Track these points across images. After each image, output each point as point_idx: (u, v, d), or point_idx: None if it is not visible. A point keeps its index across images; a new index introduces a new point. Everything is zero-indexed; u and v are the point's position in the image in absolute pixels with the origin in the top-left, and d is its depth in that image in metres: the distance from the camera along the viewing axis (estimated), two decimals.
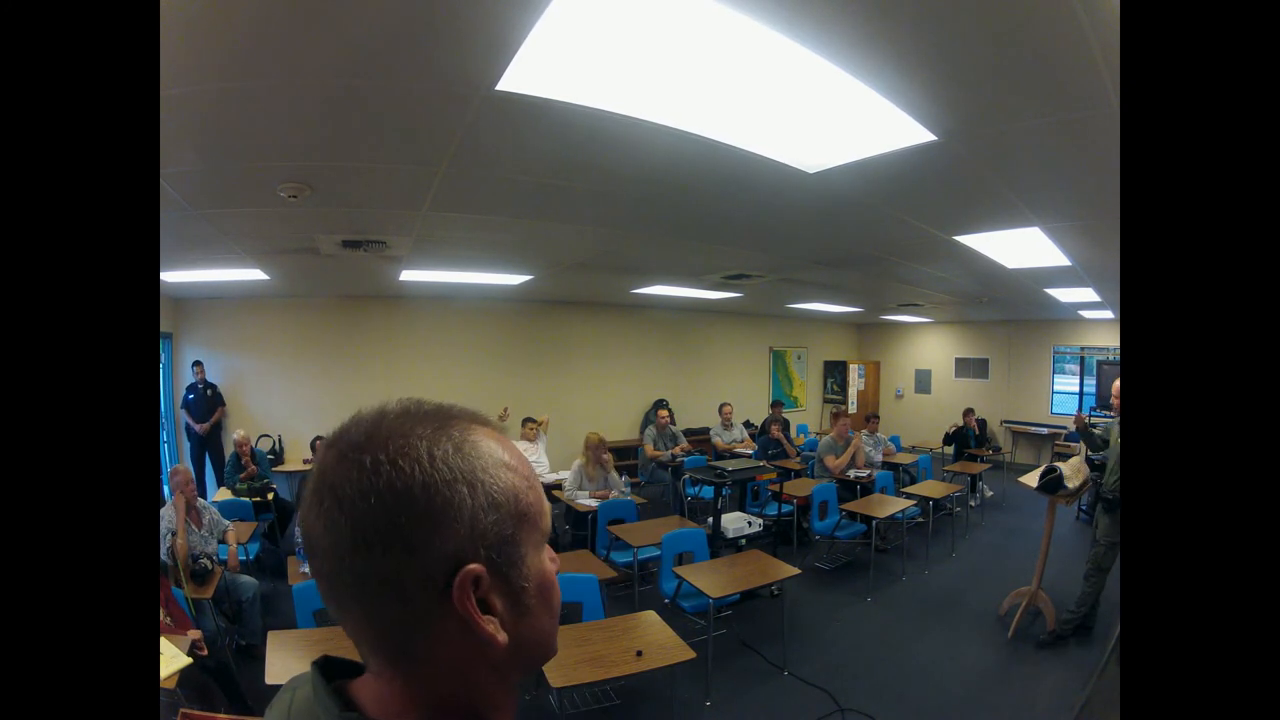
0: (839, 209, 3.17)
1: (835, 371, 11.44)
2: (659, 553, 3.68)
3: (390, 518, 0.40)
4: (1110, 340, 8.95)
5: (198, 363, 6.08)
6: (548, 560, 0.48)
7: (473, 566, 0.42)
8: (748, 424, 8.53)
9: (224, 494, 5.00)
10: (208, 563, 3.21)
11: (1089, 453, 3.97)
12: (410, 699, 0.43)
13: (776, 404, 7.71)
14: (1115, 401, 3.74)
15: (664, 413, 6.84)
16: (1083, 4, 1.31)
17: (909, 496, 5.44)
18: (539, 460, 5.72)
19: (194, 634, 2.53)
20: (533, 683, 2.70)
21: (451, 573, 0.41)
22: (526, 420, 5.88)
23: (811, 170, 2.50)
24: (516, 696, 0.48)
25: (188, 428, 6.07)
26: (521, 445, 4.82)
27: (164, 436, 6.16)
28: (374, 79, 1.71)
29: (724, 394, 8.37)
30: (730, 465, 4.61)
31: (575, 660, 2.35)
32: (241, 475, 5.11)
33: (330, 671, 0.48)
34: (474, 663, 0.43)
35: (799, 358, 11.06)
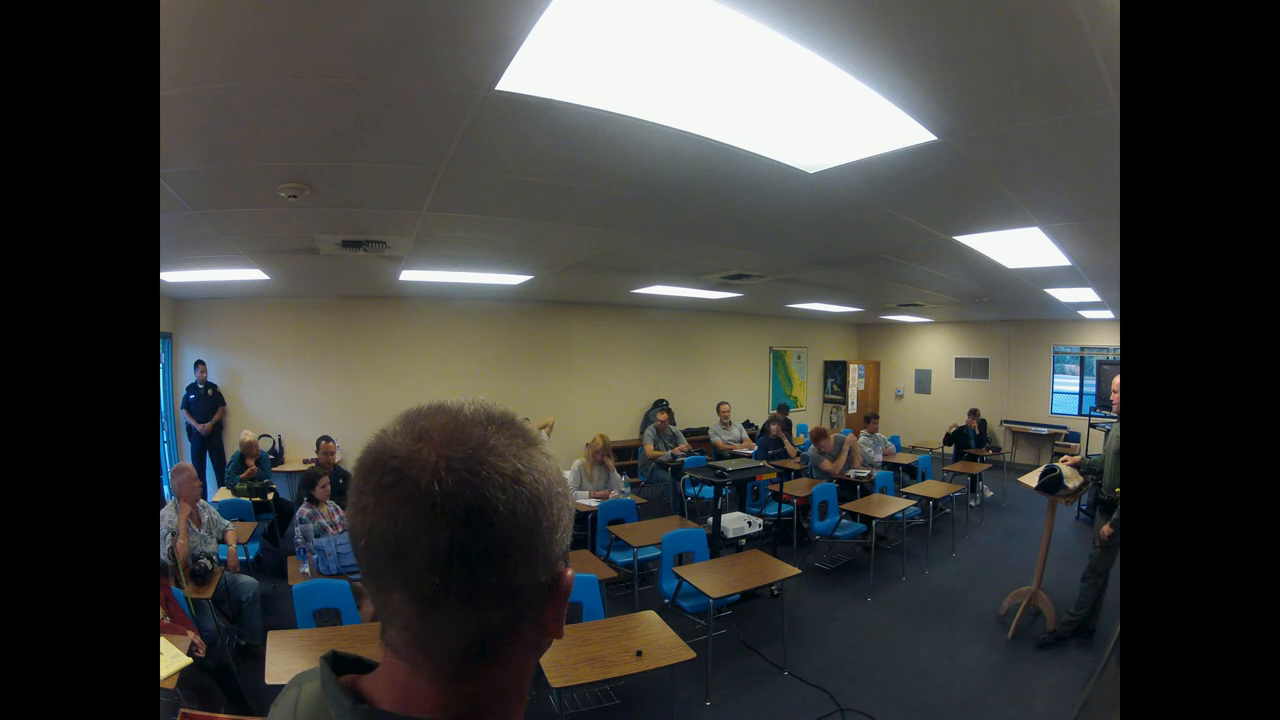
0: (839, 209, 3.17)
1: (835, 371, 11.44)
2: (659, 553, 3.68)
3: (516, 534, 0.42)
4: (1110, 340, 8.95)
5: (200, 362, 6.08)
6: None
7: (571, 572, 0.47)
8: (747, 424, 8.53)
9: (224, 494, 5.00)
10: (208, 563, 3.21)
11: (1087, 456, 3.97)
12: (462, 696, 0.43)
13: (781, 408, 7.71)
14: (1115, 398, 3.74)
15: (663, 415, 6.84)
16: (1083, 4, 1.31)
17: (909, 496, 5.43)
18: None
19: (192, 634, 2.53)
20: (532, 683, 2.70)
21: (556, 579, 0.46)
22: (524, 420, 5.87)
23: (811, 170, 2.50)
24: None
25: (189, 428, 6.07)
26: None
27: (164, 436, 6.16)
28: (374, 79, 1.71)
29: (724, 394, 8.37)
30: (730, 465, 4.61)
31: (575, 660, 2.35)
32: (241, 475, 5.11)
33: (340, 666, 0.48)
34: (529, 660, 0.47)
35: (799, 358, 11.06)
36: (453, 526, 0.40)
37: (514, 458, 0.43)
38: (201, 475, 5.85)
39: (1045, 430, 9.42)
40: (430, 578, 0.41)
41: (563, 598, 0.46)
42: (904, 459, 6.85)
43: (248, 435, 5.35)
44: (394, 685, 0.44)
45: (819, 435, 6.07)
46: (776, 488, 5.27)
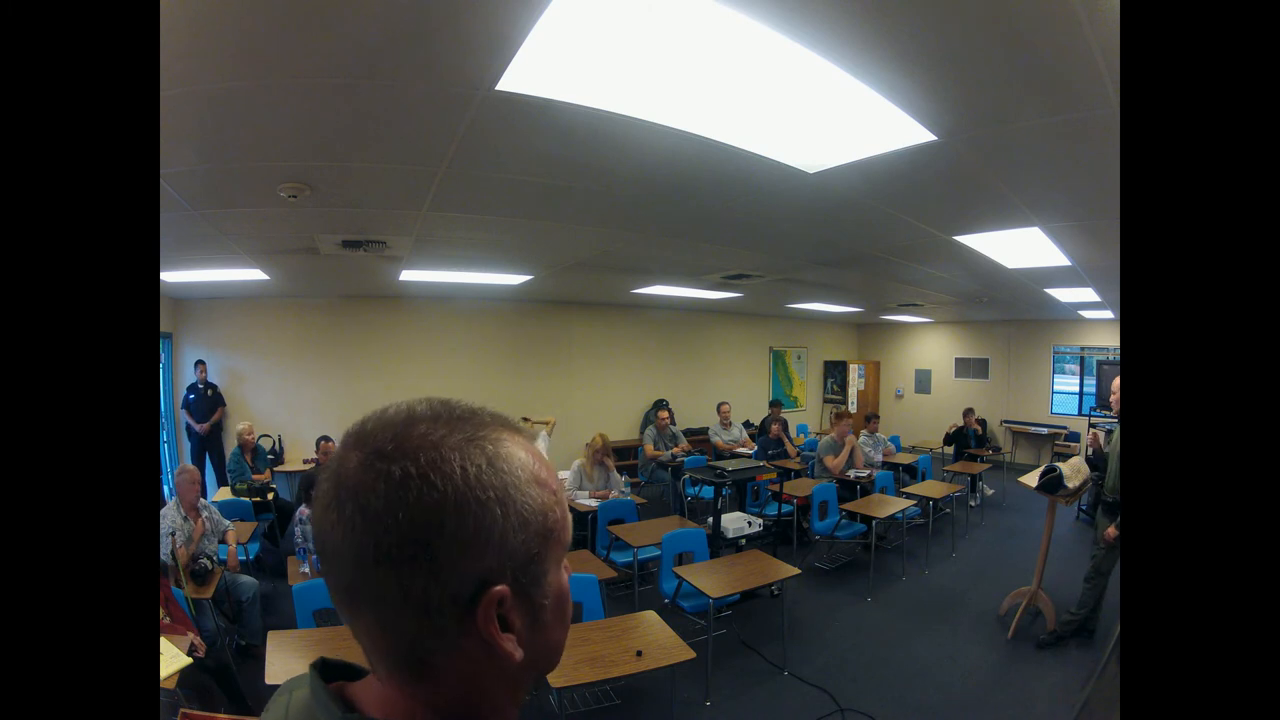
0: (839, 209, 3.17)
1: (835, 371, 11.44)
2: (659, 553, 3.68)
3: (419, 535, 0.39)
4: (1110, 340, 8.95)
5: (200, 362, 6.08)
6: (565, 572, 0.48)
7: (499, 589, 0.41)
8: (747, 424, 8.53)
9: (224, 494, 5.00)
10: (208, 563, 3.21)
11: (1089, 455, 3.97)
12: (420, 705, 0.43)
13: (775, 404, 7.71)
14: (1115, 398, 3.74)
15: (664, 414, 6.84)
16: (1083, 4, 1.31)
17: (909, 496, 5.43)
18: None
19: (193, 636, 2.53)
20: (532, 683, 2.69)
21: (477, 593, 0.40)
22: (523, 419, 5.88)
23: (811, 170, 2.50)
24: (521, 701, 0.48)
25: (188, 428, 6.07)
26: None
27: (164, 436, 6.16)
28: (374, 79, 1.71)
29: (724, 394, 8.37)
30: (730, 465, 4.61)
31: (575, 660, 2.35)
32: (254, 476, 5.09)
33: (329, 673, 0.47)
34: (488, 675, 0.43)
35: (799, 358, 11.06)
36: (348, 526, 0.40)
37: (433, 454, 0.40)
38: (201, 475, 5.89)
39: (1045, 430, 9.42)
40: (341, 579, 0.41)
41: (491, 622, 0.41)
42: (904, 459, 6.85)
43: (244, 426, 5.36)
44: (374, 692, 0.44)
45: (840, 416, 6.15)
46: (776, 488, 5.27)
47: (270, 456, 6.23)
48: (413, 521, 0.39)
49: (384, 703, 0.43)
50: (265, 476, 5.17)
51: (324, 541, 0.42)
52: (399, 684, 0.43)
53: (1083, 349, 9.32)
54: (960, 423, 7.95)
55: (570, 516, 0.49)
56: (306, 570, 3.31)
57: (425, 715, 0.43)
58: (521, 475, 0.43)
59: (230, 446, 5.77)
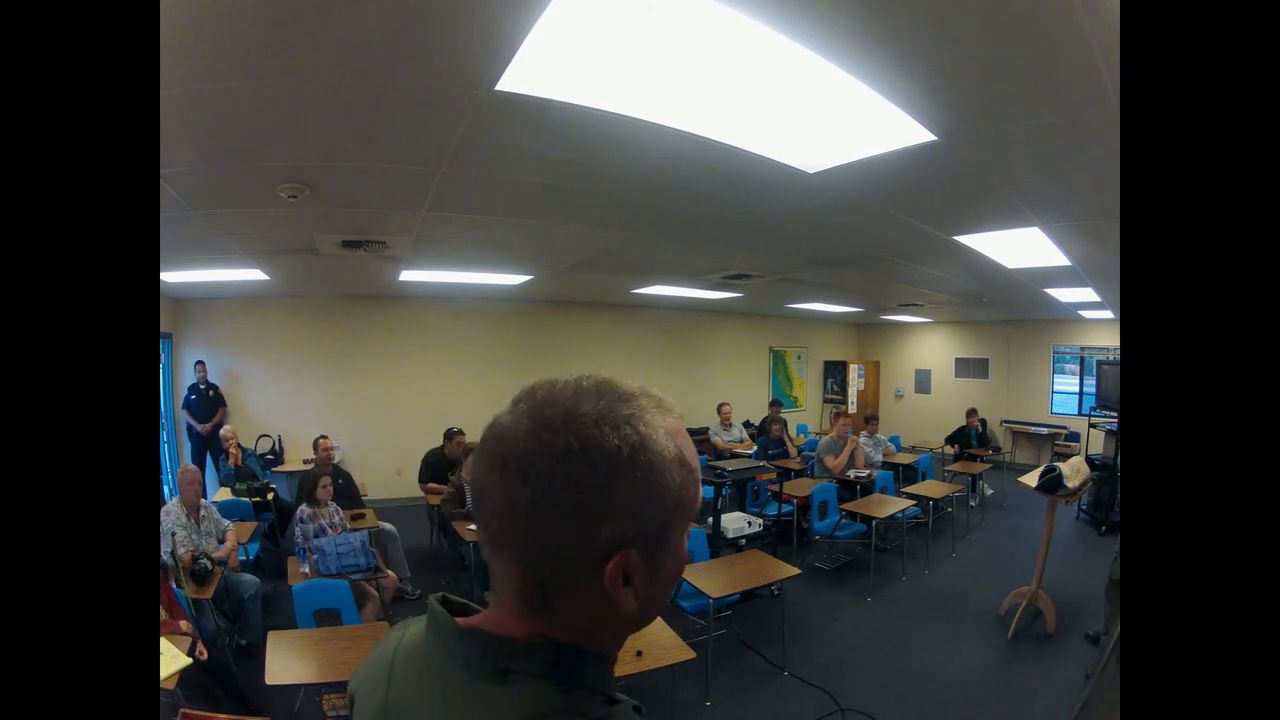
0: (839, 209, 3.17)
1: (835, 371, 11.44)
2: None
3: (573, 503, 0.44)
4: (1110, 340, 8.94)
5: (200, 362, 6.08)
6: (686, 538, 0.52)
7: (630, 553, 0.46)
8: (747, 424, 8.52)
9: (224, 494, 5.00)
10: (208, 563, 3.21)
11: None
12: (537, 630, 0.47)
13: (775, 404, 7.71)
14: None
15: None
16: (1083, 4, 1.31)
17: (909, 496, 5.43)
18: None
19: (186, 625, 2.53)
20: None
21: (610, 552, 0.45)
22: (638, 391, 5.77)
23: (811, 170, 2.50)
24: (623, 642, 0.53)
25: (189, 428, 6.07)
26: None
27: (164, 437, 6.16)
28: (374, 79, 1.71)
29: (723, 394, 8.37)
30: (730, 465, 4.61)
31: None
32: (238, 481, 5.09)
33: (448, 607, 0.53)
34: (603, 617, 0.48)
35: (799, 358, 11.06)
36: (507, 481, 0.45)
37: (594, 431, 0.44)
38: (201, 475, 5.88)
39: (1045, 430, 9.42)
40: (492, 524, 0.47)
41: (617, 579, 0.46)
42: (904, 459, 6.85)
43: (225, 430, 5.39)
44: (492, 618, 0.50)
45: (839, 415, 6.16)
46: (776, 488, 5.27)
47: (270, 457, 6.23)
48: (568, 488, 0.44)
49: (503, 624, 0.48)
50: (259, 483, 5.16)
51: (483, 493, 0.48)
52: (522, 613, 0.48)
53: (1083, 349, 9.32)
54: (963, 423, 7.96)
55: (702, 490, 0.54)
56: (306, 570, 3.31)
57: (540, 638, 0.47)
58: (667, 455, 0.47)
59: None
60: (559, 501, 0.44)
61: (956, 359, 10.74)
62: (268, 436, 6.42)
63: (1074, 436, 9.05)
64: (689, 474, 0.49)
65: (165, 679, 2.09)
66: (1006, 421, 9.90)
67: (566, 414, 0.45)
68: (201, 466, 6.00)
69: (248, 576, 3.49)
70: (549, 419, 0.45)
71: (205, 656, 2.48)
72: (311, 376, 6.69)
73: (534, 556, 0.46)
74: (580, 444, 0.44)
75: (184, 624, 2.52)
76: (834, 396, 11.38)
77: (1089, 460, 5.22)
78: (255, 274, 4.88)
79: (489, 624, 0.50)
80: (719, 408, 7.37)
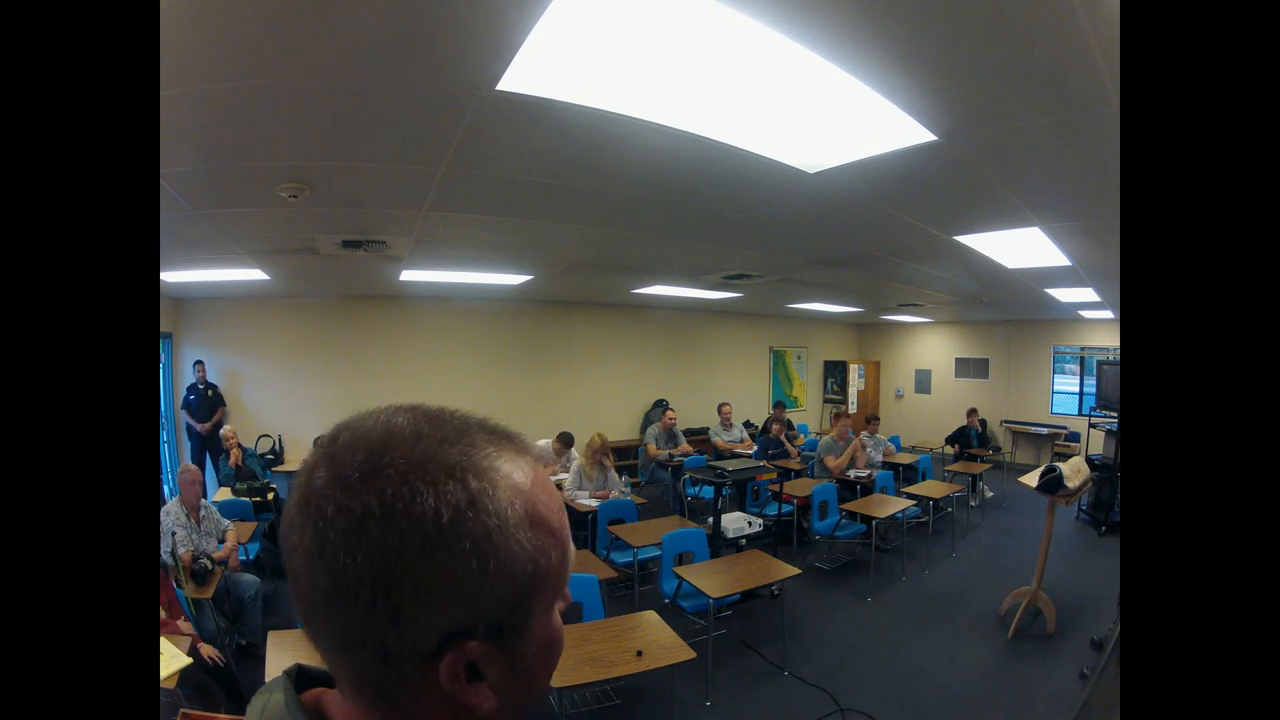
0: (839, 209, 3.17)
1: (835, 371, 11.44)
2: (659, 553, 3.68)
3: (377, 582, 0.34)
4: (1110, 340, 8.95)
5: (199, 362, 6.07)
6: (557, 615, 0.43)
7: (469, 645, 0.36)
8: (748, 424, 8.52)
9: (224, 493, 5.00)
10: (208, 563, 3.21)
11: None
12: None
13: (779, 405, 7.71)
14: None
15: (671, 413, 6.82)
16: (1083, 4, 1.31)
17: (910, 496, 5.44)
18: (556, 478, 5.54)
19: (185, 625, 2.53)
20: None
21: (442, 646, 0.36)
22: (562, 435, 5.66)
23: (811, 170, 2.50)
24: None
25: (189, 428, 6.07)
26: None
27: (164, 436, 6.16)
28: (374, 79, 1.71)
29: (724, 394, 8.37)
30: (730, 465, 4.61)
31: (575, 660, 2.35)
32: (238, 482, 5.09)
33: (304, 682, 0.44)
34: (460, 718, 0.39)
35: (799, 358, 11.06)
36: (308, 553, 0.36)
37: (403, 489, 0.34)
38: (201, 475, 5.89)
39: (1045, 430, 9.42)
40: (297, 604, 0.38)
41: (458, 678, 0.36)
42: (904, 459, 6.85)
43: (225, 430, 5.39)
44: (343, 707, 0.41)
45: (839, 416, 6.19)
46: (776, 488, 5.27)
47: (270, 457, 6.23)
48: (371, 567, 0.34)
49: (350, 718, 0.40)
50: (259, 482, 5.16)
51: (289, 554, 0.38)
52: (365, 710, 0.39)
53: (1083, 349, 9.32)
54: (963, 423, 7.96)
55: (573, 552, 0.44)
56: None
57: None
58: (511, 516, 0.37)
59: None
60: (363, 581, 0.34)
61: (956, 359, 10.74)
62: (268, 436, 6.42)
63: (1074, 436, 9.05)
64: (547, 537, 0.39)
65: (165, 679, 2.09)
66: (1006, 421, 9.90)
67: (367, 464, 0.35)
68: (201, 466, 6.02)
69: (248, 576, 3.49)
70: (346, 472, 0.35)
71: (220, 661, 2.47)
72: (312, 376, 6.68)
73: (348, 648, 0.36)
74: (382, 506, 0.34)
75: (183, 624, 2.51)
76: (834, 396, 11.38)
77: (1089, 460, 5.23)
78: (255, 274, 4.88)
79: (339, 716, 0.41)
80: (719, 408, 7.37)
